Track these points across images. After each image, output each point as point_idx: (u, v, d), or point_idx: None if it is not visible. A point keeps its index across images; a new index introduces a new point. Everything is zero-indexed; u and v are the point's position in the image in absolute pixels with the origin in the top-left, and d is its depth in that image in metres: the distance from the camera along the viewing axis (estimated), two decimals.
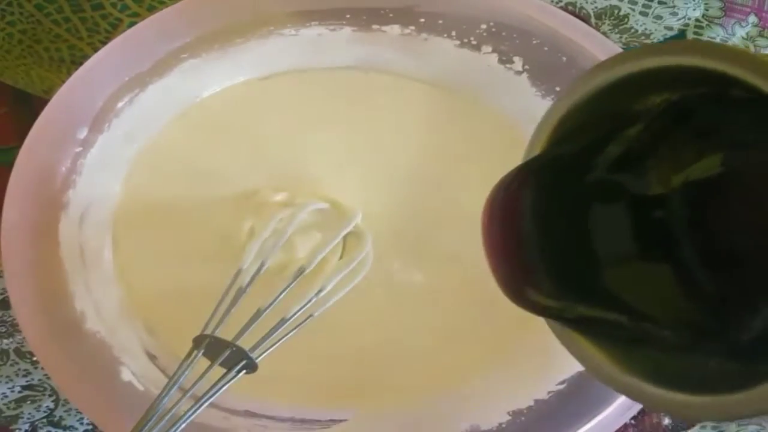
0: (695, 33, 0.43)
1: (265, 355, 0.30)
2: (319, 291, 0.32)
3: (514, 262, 0.21)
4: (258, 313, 0.30)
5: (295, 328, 0.31)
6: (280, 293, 0.30)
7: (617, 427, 0.34)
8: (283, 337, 0.31)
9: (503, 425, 0.35)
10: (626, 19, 0.43)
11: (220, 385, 0.28)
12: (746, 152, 0.18)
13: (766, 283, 0.18)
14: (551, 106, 0.21)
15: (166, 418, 0.27)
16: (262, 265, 0.31)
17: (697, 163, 0.19)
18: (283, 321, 0.30)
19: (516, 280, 0.21)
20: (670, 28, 0.43)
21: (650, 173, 0.20)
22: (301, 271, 0.31)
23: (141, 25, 0.32)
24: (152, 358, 0.34)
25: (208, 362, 0.29)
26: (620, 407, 0.33)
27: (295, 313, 0.31)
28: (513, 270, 0.21)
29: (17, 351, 0.38)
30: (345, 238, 0.34)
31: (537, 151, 0.22)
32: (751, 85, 0.16)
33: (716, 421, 0.18)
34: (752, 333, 0.17)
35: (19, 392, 0.38)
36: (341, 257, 0.36)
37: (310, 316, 0.32)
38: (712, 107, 0.18)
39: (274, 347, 0.30)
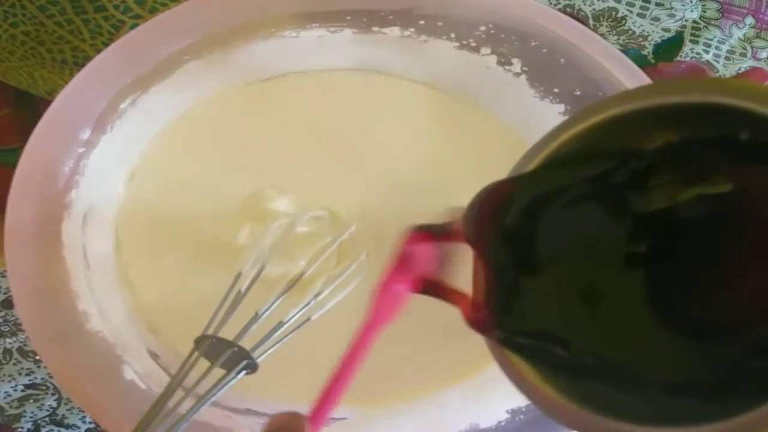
0: (692, 34, 0.44)
1: (265, 355, 0.30)
2: (316, 295, 0.32)
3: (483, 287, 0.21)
4: (256, 317, 0.30)
5: (293, 330, 0.32)
6: (277, 298, 0.31)
7: None
8: (281, 339, 0.31)
9: (502, 423, 0.35)
10: (624, 21, 0.43)
11: (221, 384, 0.29)
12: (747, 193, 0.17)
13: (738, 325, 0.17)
14: (552, 129, 0.21)
15: (169, 416, 0.28)
16: (261, 269, 0.32)
17: (691, 188, 0.18)
18: (280, 324, 0.31)
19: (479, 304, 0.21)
20: (668, 30, 0.44)
21: (647, 195, 0.19)
22: (297, 277, 0.32)
23: (143, 27, 0.32)
24: (154, 356, 0.34)
25: (211, 361, 0.29)
26: None
27: (292, 317, 0.32)
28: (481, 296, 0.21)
29: (20, 350, 0.38)
30: (341, 244, 0.35)
31: (528, 169, 0.22)
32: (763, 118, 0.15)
33: None
34: (711, 376, 0.17)
35: (22, 391, 0.39)
36: (338, 264, 0.36)
37: (308, 319, 0.33)
38: (713, 151, 0.18)
39: (273, 348, 0.31)
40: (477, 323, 0.22)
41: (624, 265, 0.20)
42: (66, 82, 0.31)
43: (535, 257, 0.21)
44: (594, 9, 0.43)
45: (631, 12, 0.43)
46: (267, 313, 0.31)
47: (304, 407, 0.36)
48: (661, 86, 0.18)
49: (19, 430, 0.39)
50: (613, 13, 0.43)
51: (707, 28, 0.44)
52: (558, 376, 0.19)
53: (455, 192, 0.39)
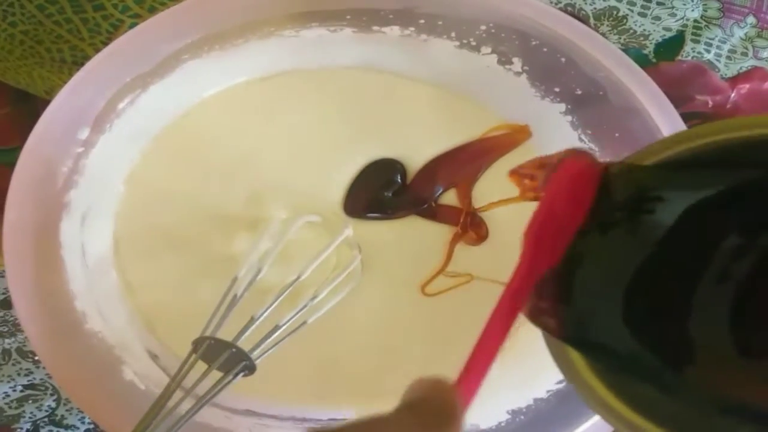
0: (693, 34, 0.44)
1: (263, 357, 0.30)
2: (313, 298, 0.32)
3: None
4: (252, 320, 0.30)
5: (290, 333, 0.32)
6: (274, 301, 0.31)
7: None
8: (278, 342, 0.31)
9: (502, 424, 0.35)
10: (625, 20, 0.43)
11: (220, 385, 0.29)
12: None
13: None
14: (689, 130, 0.20)
15: (168, 417, 0.27)
16: (257, 273, 0.31)
17: None
18: (277, 327, 0.31)
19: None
20: (669, 29, 0.43)
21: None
22: (294, 281, 0.32)
23: (142, 26, 0.32)
24: (154, 357, 0.34)
25: (210, 363, 0.29)
26: None
27: (288, 320, 0.32)
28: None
29: (19, 350, 0.38)
30: (338, 247, 0.35)
31: (647, 162, 0.21)
32: None
33: None
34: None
35: (21, 391, 0.38)
36: (335, 267, 0.36)
37: (304, 322, 0.33)
38: None
39: (270, 350, 0.31)
40: (538, 315, 0.21)
41: (716, 281, 0.19)
42: (65, 82, 0.31)
43: (629, 250, 0.20)
44: (595, 8, 0.43)
45: (632, 11, 0.43)
46: (263, 316, 0.31)
47: (304, 408, 0.37)
48: None
49: (18, 430, 0.39)
50: (614, 12, 0.43)
51: (708, 27, 0.44)
52: (615, 376, 0.20)
53: (453, 192, 0.39)
